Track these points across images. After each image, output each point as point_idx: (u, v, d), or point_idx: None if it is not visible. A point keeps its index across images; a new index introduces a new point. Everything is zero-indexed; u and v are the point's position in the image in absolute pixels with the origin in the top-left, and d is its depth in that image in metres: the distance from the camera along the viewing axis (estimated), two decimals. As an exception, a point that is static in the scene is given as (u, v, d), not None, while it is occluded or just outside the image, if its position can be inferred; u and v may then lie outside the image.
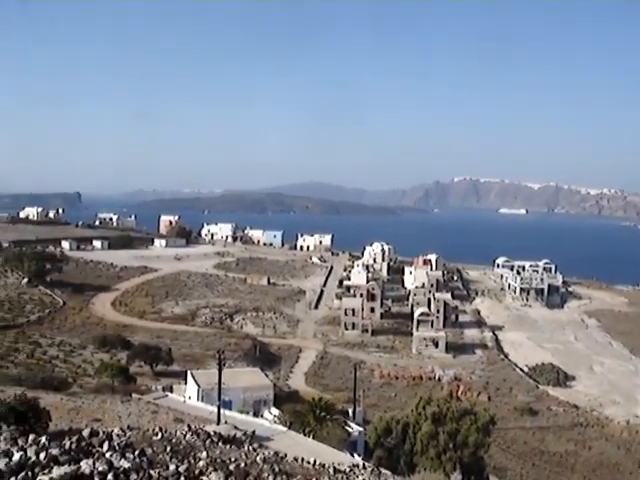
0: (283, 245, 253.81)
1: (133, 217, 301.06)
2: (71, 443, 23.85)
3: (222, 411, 43.36)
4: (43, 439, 24.00)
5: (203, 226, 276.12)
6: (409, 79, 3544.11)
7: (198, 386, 65.06)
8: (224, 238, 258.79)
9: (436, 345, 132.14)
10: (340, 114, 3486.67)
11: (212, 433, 30.51)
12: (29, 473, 20.56)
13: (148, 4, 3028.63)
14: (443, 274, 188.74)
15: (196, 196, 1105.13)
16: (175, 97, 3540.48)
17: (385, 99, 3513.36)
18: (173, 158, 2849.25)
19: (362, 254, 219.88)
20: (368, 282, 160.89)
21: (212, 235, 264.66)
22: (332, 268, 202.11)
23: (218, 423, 40.16)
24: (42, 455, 21.89)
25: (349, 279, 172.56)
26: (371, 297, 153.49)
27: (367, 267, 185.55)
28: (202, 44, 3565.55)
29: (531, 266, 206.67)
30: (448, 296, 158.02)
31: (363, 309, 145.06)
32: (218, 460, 25.11)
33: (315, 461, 28.52)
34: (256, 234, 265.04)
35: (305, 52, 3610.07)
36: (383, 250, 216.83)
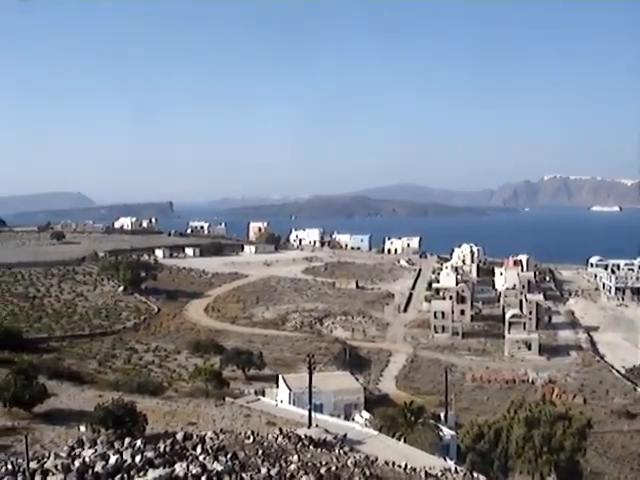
0: (371, 249, 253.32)
1: (223, 224, 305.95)
2: (166, 446, 24.45)
3: (313, 414, 43.53)
4: (139, 442, 24.67)
5: (291, 232, 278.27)
6: (501, 75, 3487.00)
7: (289, 390, 65.65)
8: (312, 243, 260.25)
9: (529, 347, 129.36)
10: (427, 115, 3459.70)
11: (303, 436, 30.72)
12: (125, 475, 21.19)
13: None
14: (534, 275, 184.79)
15: (284, 202, 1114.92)
16: (261, 105, 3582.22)
17: (472, 98, 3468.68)
18: (260, 165, 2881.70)
19: (451, 256, 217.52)
20: (457, 284, 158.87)
21: (300, 240, 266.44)
22: (420, 271, 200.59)
23: (309, 426, 40.28)
24: (138, 458, 22.51)
25: (438, 281, 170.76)
26: (461, 299, 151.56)
27: (456, 269, 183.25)
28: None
29: (626, 265, 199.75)
30: (540, 297, 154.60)
31: (453, 312, 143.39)
32: (309, 463, 25.27)
33: (406, 465, 28.37)
34: (344, 238, 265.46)
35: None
36: (472, 251, 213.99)
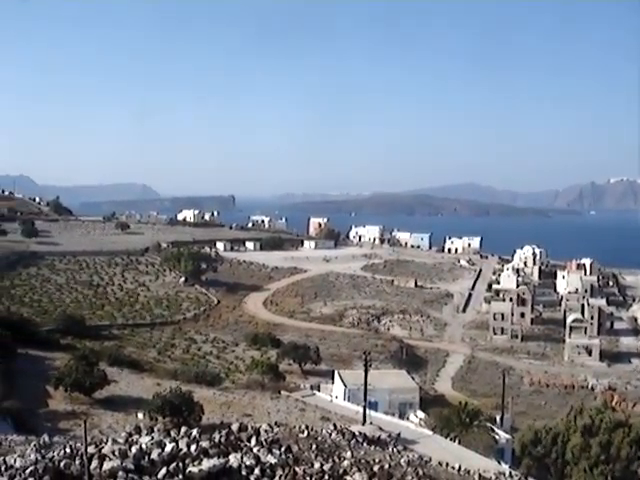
0: (431, 248, 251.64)
1: (284, 219, 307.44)
2: (221, 437, 24.66)
3: (368, 412, 43.46)
4: (194, 432, 24.95)
5: (351, 228, 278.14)
6: (571, 74, 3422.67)
7: (345, 386, 65.72)
8: (372, 240, 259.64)
9: (589, 353, 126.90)
10: (490, 111, 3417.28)
11: (357, 433, 30.66)
12: (180, 464, 21.44)
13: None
14: (598, 279, 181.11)
15: (344, 198, 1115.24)
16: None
17: (541, 97, 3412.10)
18: (322, 161, 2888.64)
19: (512, 257, 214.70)
20: (518, 286, 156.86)
21: (360, 237, 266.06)
22: (481, 271, 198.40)
23: (363, 423, 40.26)
24: (193, 447, 22.77)
25: (498, 283, 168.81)
26: (521, 302, 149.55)
27: (517, 271, 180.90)
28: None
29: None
30: (603, 302, 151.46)
31: (513, 314, 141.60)
32: (362, 460, 25.22)
33: (460, 467, 28.10)
34: (404, 236, 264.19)
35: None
36: (534, 253, 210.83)
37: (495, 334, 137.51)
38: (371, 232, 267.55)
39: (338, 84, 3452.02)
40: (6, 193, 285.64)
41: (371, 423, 40.31)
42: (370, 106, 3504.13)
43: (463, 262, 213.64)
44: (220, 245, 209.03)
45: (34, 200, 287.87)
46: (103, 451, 22.43)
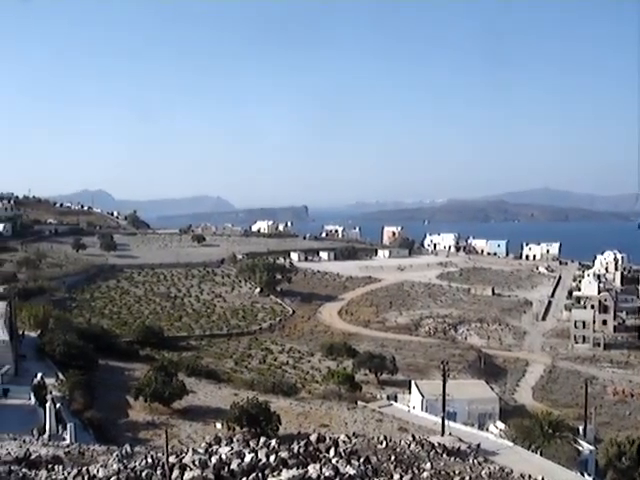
0: (508, 254, 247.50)
1: (357, 228, 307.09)
2: (299, 447, 24.63)
3: (446, 422, 42.86)
4: (273, 442, 24.99)
5: (425, 236, 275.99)
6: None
7: (422, 396, 65.04)
8: (447, 248, 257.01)
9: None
10: (567, 115, 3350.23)
11: (436, 444, 30.25)
12: (259, 474, 21.47)
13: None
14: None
15: (418, 206, 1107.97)
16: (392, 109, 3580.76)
17: (615, 96, 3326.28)
18: (395, 169, 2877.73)
19: (593, 263, 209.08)
20: (600, 293, 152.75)
21: (435, 245, 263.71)
22: (560, 278, 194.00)
23: (442, 434, 39.71)
24: (272, 458, 22.78)
25: (579, 289, 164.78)
26: (603, 309, 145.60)
27: (598, 277, 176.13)
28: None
29: None
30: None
31: (594, 321, 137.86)
32: (442, 472, 24.85)
33: (542, 479, 27.38)
34: (480, 243, 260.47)
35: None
36: (616, 259, 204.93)
37: (576, 342, 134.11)
38: (446, 240, 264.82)
39: (414, 90, 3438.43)
40: (85, 208, 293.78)
41: (450, 434, 39.74)
42: (445, 114, 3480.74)
43: (542, 269, 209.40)
44: (294, 255, 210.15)
45: (112, 214, 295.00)
46: (184, 461, 22.68)
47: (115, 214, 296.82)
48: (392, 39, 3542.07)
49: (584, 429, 63.03)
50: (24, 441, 32.41)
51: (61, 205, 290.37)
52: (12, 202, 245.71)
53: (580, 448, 51.99)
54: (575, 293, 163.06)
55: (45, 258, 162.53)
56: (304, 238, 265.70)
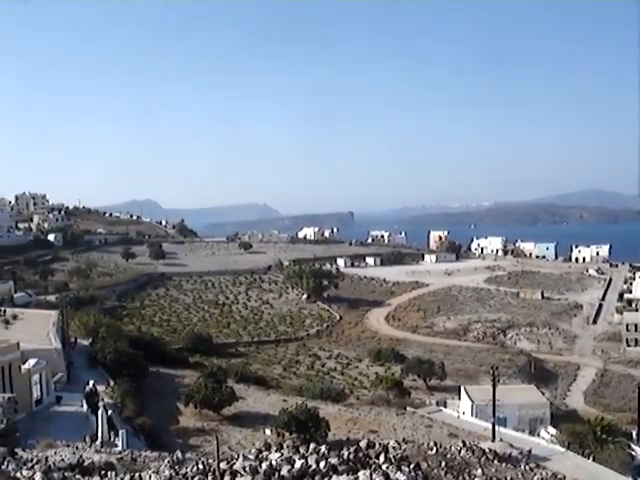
0: (557, 257, 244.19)
1: (403, 233, 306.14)
2: (349, 453, 24.58)
3: (497, 428, 42.39)
4: (323, 448, 24.97)
5: (472, 240, 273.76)
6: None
7: (472, 401, 64.44)
8: (494, 252, 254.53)
9: None
10: (614, 115, 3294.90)
11: (487, 450, 29.89)
12: (310, 480, 21.47)
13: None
14: None
15: (464, 210, 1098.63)
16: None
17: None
18: (441, 173, 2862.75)
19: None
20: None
21: (482, 249, 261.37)
22: (611, 280, 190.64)
23: (493, 440, 39.27)
24: (322, 464, 22.77)
25: (630, 292, 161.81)
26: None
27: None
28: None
29: None
30: None
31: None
32: (494, 478, 24.59)
33: (598, 485, 26.92)
34: (528, 247, 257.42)
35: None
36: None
37: (629, 346, 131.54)
38: (493, 243, 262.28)
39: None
40: (134, 217, 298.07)
41: (501, 440, 39.27)
42: (486, 117, 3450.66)
43: (592, 271, 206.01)
44: (341, 261, 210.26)
45: (160, 223, 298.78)
46: (234, 467, 22.78)
47: (163, 223, 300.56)
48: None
49: (638, 434, 61.87)
50: (77, 448, 32.85)
51: (110, 215, 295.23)
52: (63, 213, 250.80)
53: (634, 453, 51.03)
54: (626, 295, 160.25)
55: (95, 267, 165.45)
56: (350, 244, 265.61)
